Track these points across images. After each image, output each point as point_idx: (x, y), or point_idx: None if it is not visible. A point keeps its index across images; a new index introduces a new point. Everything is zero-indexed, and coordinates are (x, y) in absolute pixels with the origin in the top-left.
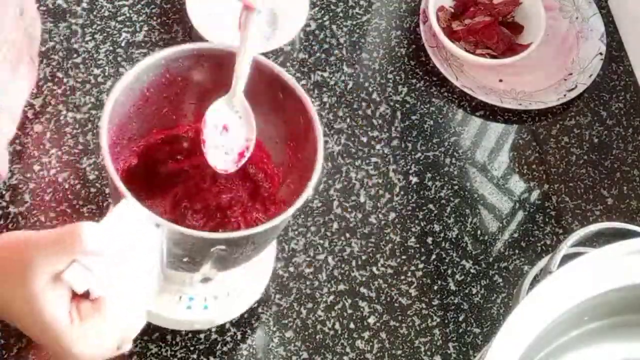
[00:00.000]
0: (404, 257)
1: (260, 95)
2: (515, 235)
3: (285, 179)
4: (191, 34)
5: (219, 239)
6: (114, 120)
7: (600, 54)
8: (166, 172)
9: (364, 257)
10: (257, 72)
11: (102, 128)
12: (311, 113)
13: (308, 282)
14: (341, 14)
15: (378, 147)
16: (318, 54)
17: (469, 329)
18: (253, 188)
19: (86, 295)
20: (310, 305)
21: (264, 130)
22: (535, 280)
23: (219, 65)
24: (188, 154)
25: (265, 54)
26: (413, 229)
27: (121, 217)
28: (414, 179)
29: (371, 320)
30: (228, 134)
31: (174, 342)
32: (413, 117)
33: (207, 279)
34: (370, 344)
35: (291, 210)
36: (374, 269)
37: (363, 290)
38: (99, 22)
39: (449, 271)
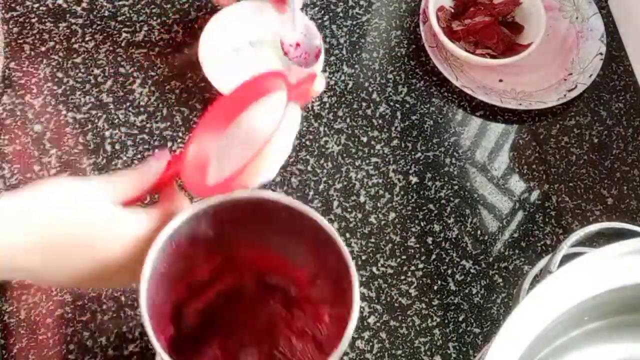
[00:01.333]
0: (404, 257)
1: (262, 218)
2: (515, 235)
3: (314, 280)
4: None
5: None
6: (149, 313)
7: (600, 54)
8: (201, 323)
9: (364, 257)
10: (252, 203)
11: (150, 333)
12: (322, 225)
13: None
14: (341, 14)
15: (378, 147)
16: None
17: (469, 329)
18: (283, 295)
19: None
20: None
21: (270, 242)
22: (535, 280)
23: (211, 216)
24: (211, 287)
25: None
26: (413, 229)
27: None
28: (414, 179)
29: (371, 320)
30: (300, 47)
31: None
32: (413, 117)
33: None
34: (370, 344)
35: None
36: (374, 269)
37: (363, 290)
38: (99, 22)
39: (449, 271)
